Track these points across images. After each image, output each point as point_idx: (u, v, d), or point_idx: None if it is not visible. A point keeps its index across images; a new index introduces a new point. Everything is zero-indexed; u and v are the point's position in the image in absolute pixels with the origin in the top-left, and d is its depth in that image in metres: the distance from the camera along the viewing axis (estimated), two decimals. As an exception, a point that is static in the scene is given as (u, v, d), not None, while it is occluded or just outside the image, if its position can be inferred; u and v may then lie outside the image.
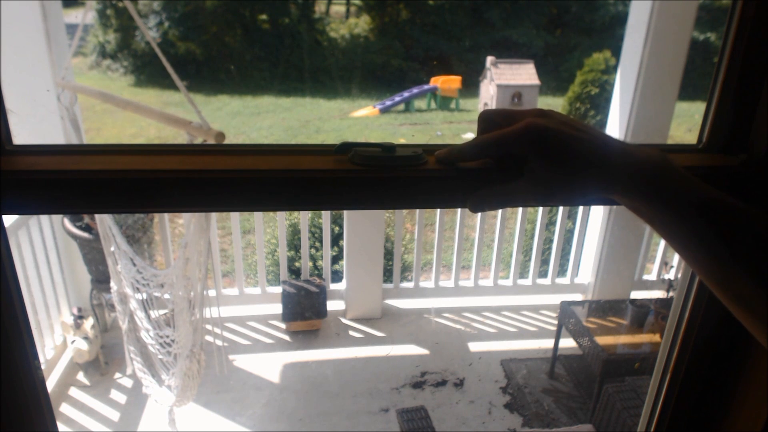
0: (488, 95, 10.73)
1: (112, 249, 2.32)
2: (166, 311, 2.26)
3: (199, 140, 1.70)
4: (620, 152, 0.50)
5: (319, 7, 13.76)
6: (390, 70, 12.58)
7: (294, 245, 4.01)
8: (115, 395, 2.97)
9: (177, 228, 4.99)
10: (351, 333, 3.58)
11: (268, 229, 4.42)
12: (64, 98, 2.13)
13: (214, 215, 3.50)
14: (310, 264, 3.78)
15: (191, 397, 2.25)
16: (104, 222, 2.31)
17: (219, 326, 3.20)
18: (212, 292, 3.61)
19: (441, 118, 10.59)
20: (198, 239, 1.86)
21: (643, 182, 0.50)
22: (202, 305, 1.96)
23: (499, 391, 3.12)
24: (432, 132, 9.88)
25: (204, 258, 1.88)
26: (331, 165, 0.60)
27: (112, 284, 2.47)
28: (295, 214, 3.85)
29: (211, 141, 1.66)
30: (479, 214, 3.73)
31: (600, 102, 4.44)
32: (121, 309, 2.45)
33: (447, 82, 10.90)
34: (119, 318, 2.51)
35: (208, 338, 3.42)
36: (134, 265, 2.27)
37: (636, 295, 3.78)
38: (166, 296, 2.16)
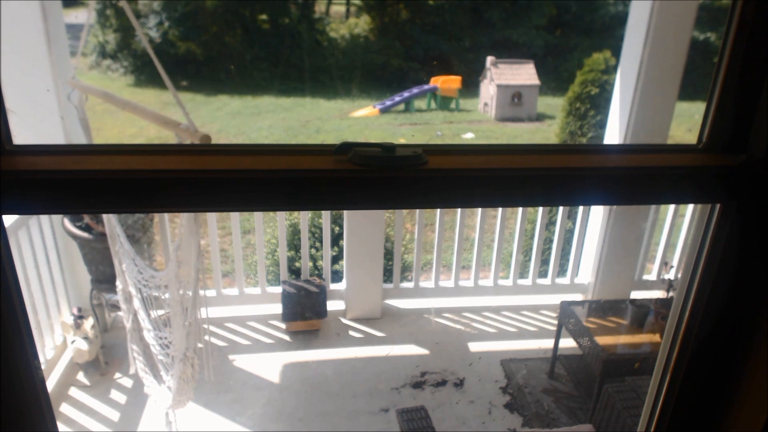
0: (488, 95, 10.73)
1: (117, 248, 2.33)
2: (165, 312, 2.26)
3: (187, 142, 1.71)
4: None
5: (319, 7, 13.75)
6: (390, 70, 12.58)
7: (294, 245, 4.01)
8: (115, 395, 2.97)
9: (177, 228, 4.98)
10: (351, 333, 3.58)
11: (268, 229, 4.42)
12: (74, 98, 2.13)
13: (211, 217, 3.50)
14: (310, 264, 3.78)
15: (188, 400, 2.25)
16: (111, 221, 2.32)
17: (208, 329, 3.20)
18: (212, 292, 3.61)
19: (441, 118, 10.59)
20: (189, 242, 1.87)
21: None
22: (195, 309, 1.96)
23: (499, 391, 3.12)
24: (432, 132, 9.88)
25: (195, 260, 1.88)
26: (331, 165, 0.60)
27: (118, 283, 2.48)
28: (295, 214, 3.85)
29: (197, 143, 1.67)
30: (479, 212, 3.74)
31: (600, 102, 4.44)
32: (126, 308, 2.46)
33: (447, 82, 10.90)
34: (123, 317, 2.51)
35: (211, 340, 3.42)
36: (135, 265, 2.28)
37: (636, 295, 3.77)
38: (165, 296, 2.16)
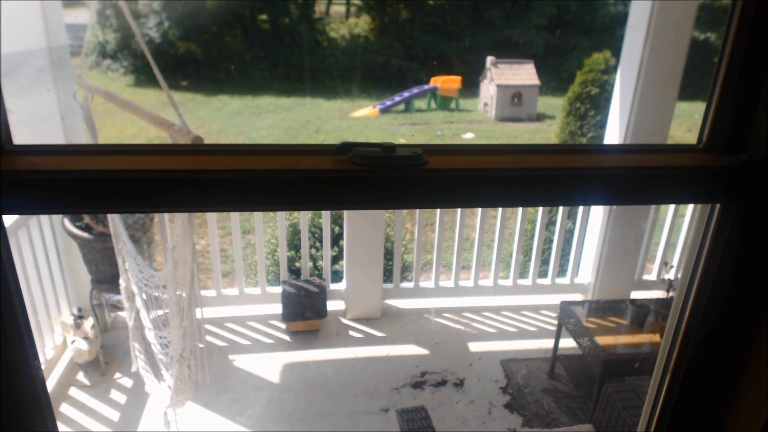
0: (488, 95, 10.72)
1: (120, 246, 2.34)
2: (165, 311, 2.26)
3: (180, 143, 1.73)
4: None
5: (319, 7, 13.74)
6: (390, 70, 12.57)
7: (294, 245, 4.01)
8: (115, 395, 2.97)
9: (177, 228, 4.97)
10: (351, 333, 3.58)
11: (268, 229, 4.42)
12: (80, 97, 2.14)
13: (211, 216, 3.50)
14: (310, 264, 3.78)
15: (186, 400, 2.25)
16: (114, 220, 2.33)
17: (204, 329, 3.21)
18: (212, 292, 3.61)
19: (441, 118, 10.58)
20: (184, 243, 1.87)
21: None
22: (191, 309, 1.96)
23: (499, 391, 3.12)
24: (432, 132, 9.88)
25: (190, 262, 1.88)
26: (331, 165, 0.60)
27: (121, 281, 2.49)
28: (295, 214, 3.85)
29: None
30: (479, 212, 3.74)
31: (600, 102, 4.44)
32: (129, 306, 2.47)
33: (447, 82, 10.89)
34: (126, 315, 2.52)
35: (211, 339, 3.42)
36: (137, 264, 2.28)
37: (636, 295, 3.77)
38: (164, 296, 2.17)
